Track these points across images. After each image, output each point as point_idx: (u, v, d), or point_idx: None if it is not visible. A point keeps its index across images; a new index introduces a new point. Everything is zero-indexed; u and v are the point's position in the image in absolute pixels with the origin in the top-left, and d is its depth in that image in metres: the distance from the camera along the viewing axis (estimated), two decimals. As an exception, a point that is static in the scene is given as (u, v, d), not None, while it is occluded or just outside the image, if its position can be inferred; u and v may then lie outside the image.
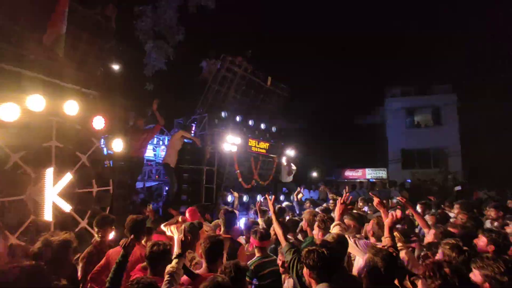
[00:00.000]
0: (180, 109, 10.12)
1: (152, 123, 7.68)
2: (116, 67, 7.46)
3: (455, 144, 19.86)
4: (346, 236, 3.02)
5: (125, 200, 5.45)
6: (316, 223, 3.64)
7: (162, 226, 4.70)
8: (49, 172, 4.21)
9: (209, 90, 9.07)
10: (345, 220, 3.91)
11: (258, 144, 9.62)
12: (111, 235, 3.78)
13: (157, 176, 9.18)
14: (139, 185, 9.10)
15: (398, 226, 3.86)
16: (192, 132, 8.78)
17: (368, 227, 3.52)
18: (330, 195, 6.89)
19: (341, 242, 2.83)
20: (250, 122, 9.52)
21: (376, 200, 3.35)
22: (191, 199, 7.74)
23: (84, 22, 5.38)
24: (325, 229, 3.45)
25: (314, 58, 22.05)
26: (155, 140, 9.41)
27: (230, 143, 8.44)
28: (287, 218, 5.22)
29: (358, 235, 3.50)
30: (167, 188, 8.25)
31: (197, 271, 2.75)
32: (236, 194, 6.94)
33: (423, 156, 20.90)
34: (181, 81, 12.68)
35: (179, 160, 7.54)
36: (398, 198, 5.11)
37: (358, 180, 19.50)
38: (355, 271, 3.02)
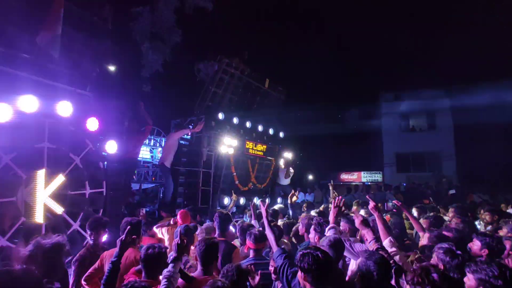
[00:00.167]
0: (177, 111, 10.08)
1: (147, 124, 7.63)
2: (112, 68, 7.42)
3: (449, 148, 20.04)
4: (342, 239, 3.01)
5: (119, 202, 5.39)
6: (312, 227, 3.64)
7: (154, 228, 4.67)
8: (41, 173, 4.15)
9: (206, 92, 9.04)
10: (341, 223, 3.91)
11: (255, 146, 9.59)
12: (104, 237, 3.73)
13: (153, 178, 9.13)
14: (135, 187, 9.05)
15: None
16: (189, 134, 8.74)
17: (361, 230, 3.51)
18: (332, 194, 6.86)
19: (336, 246, 2.82)
20: (248, 124, 9.48)
21: (371, 204, 3.34)
22: (187, 202, 7.69)
23: (79, 23, 5.34)
24: (321, 233, 3.45)
25: (310, 62, 22.13)
26: (152, 141, 9.38)
27: (227, 145, 8.40)
28: (280, 221, 5.19)
29: (352, 238, 3.50)
30: (163, 190, 8.20)
31: (192, 274, 2.73)
32: (234, 196, 6.90)
33: (418, 160, 21.05)
34: (178, 82, 12.66)
35: (175, 162, 7.49)
36: (394, 201, 5.11)
37: (353, 183, 19.58)
38: (349, 274, 3.01)
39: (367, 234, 2.96)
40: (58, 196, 4.35)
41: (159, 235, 4.66)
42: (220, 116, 8.76)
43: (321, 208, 6.49)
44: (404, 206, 4.52)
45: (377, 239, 2.88)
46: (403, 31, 22.38)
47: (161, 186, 8.66)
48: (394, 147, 21.43)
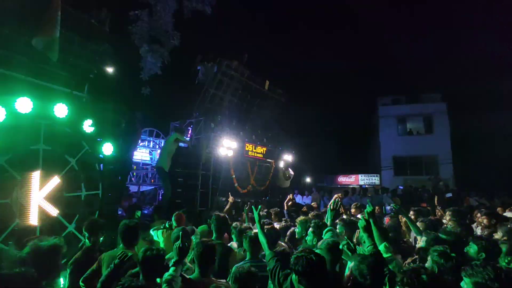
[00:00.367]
0: (177, 113, 10.07)
1: (144, 126, 7.62)
2: (110, 70, 7.40)
3: (446, 151, 20.11)
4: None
5: (115, 204, 5.36)
6: (311, 230, 3.63)
7: (151, 231, 4.63)
8: (36, 175, 4.12)
9: (205, 94, 9.02)
10: (337, 227, 3.90)
11: (255, 148, 9.56)
12: (101, 239, 3.69)
13: (152, 180, 9.08)
14: (133, 189, 8.99)
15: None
16: (189, 135, 8.70)
17: (360, 233, 3.50)
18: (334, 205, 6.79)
19: (334, 249, 2.81)
20: (247, 126, 9.45)
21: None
22: (186, 204, 7.62)
23: (76, 25, 5.33)
24: (319, 235, 3.43)
25: (309, 65, 22.24)
26: (151, 143, 9.34)
27: (226, 147, 8.36)
28: (276, 224, 5.16)
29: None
30: (162, 192, 8.15)
31: (189, 277, 2.72)
32: (231, 198, 6.86)
33: (415, 163, 21.11)
34: (177, 84, 12.66)
35: (173, 164, 7.44)
36: (391, 205, 5.11)
37: (350, 186, 19.57)
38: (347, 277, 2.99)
39: (366, 238, 2.95)
40: (54, 198, 4.32)
41: (155, 238, 4.63)
42: (220, 118, 8.73)
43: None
44: (402, 210, 4.51)
45: (375, 245, 2.86)
46: (401, 35, 22.56)
47: (160, 188, 8.62)
48: (391, 151, 21.48)
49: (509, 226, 4.04)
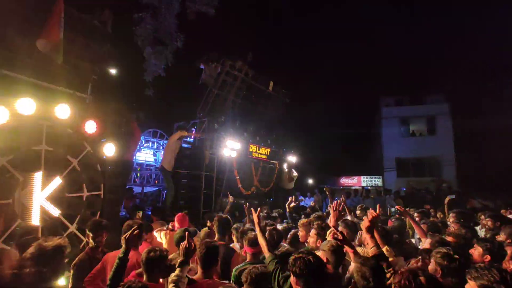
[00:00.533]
0: (180, 114, 10.08)
1: (146, 126, 7.63)
2: (113, 71, 7.41)
3: (449, 153, 20.02)
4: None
5: (116, 205, 5.35)
6: (314, 231, 3.60)
7: (154, 232, 4.63)
8: (38, 176, 4.12)
9: (209, 95, 8.99)
10: (339, 228, 3.86)
11: (259, 149, 9.51)
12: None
13: (156, 181, 9.08)
14: (137, 190, 9.00)
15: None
16: (192, 137, 8.68)
17: (363, 235, 3.47)
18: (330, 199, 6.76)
19: (338, 250, 2.79)
20: (251, 127, 9.41)
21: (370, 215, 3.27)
22: (189, 205, 7.61)
23: (79, 26, 5.35)
24: (323, 237, 3.41)
25: (313, 67, 22.23)
26: (155, 145, 9.35)
27: (230, 148, 8.32)
28: (279, 226, 5.13)
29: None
30: (166, 193, 8.13)
31: (192, 277, 2.71)
32: (231, 198, 6.82)
33: (418, 165, 21.04)
34: (181, 85, 12.68)
35: (177, 165, 7.41)
36: (396, 207, 5.08)
37: (353, 188, 19.50)
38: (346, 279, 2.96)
39: (369, 239, 2.92)
40: (55, 199, 4.32)
41: (158, 239, 4.62)
42: (223, 118, 8.69)
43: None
44: (407, 212, 4.48)
45: (378, 246, 2.83)
46: (403, 36, 22.51)
47: (164, 189, 8.61)
48: (394, 152, 21.41)
49: (513, 228, 4.00)
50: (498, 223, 4.73)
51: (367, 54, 23.46)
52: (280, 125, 11.09)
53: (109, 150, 5.02)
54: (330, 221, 3.83)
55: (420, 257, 3.06)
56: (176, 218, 4.65)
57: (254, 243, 3.32)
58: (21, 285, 1.97)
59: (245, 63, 9.49)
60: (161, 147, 9.34)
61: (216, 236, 4.04)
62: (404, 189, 15.17)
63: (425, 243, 3.70)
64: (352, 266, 2.35)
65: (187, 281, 2.47)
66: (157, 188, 9.46)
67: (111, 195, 5.13)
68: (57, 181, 4.34)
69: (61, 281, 2.89)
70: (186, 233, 2.92)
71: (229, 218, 4.33)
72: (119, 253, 2.63)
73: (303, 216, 6.13)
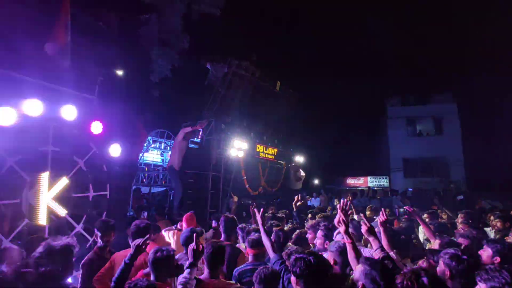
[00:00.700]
0: (187, 114, 10.08)
1: (153, 127, 7.65)
2: (119, 72, 7.47)
3: (457, 153, 19.76)
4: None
5: (122, 205, 5.39)
6: (321, 232, 3.58)
7: (163, 232, 4.64)
8: (45, 176, 4.17)
9: (216, 95, 8.97)
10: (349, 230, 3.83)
11: (266, 149, 9.47)
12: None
13: (164, 181, 9.10)
14: (145, 190, 9.03)
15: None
16: (199, 137, 8.68)
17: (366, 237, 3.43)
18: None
19: (345, 251, 2.76)
20: (258, 127, 9.37)
21: (382, 218, 3.23)
22: (197, 205, 7.61)
23: (85, 28, 5.41)
24: (330, 238, 3.39)
25: (317, 67, 22.11)
26: (163, 145, 9.37)
27: (237, 148, 8.28)
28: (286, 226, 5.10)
29: (357, 243, 3.41)
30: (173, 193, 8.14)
31: (199, 277, 2.72)
32: (235, 198, 6.81)
33: (425, 165, 20.78)
34: (187, 86, 12.71)
35: (184, 165, 7.42)
36: (405, 207, 5.03)
37: (359, 188, 19.37)
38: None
39: (372, 242, 2.88)
40: (62, 199, 4.36)
41: (167, 239, 4.64)
42: (230, 118, 8.66)
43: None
44: (416, 213, 4.43)
45: (383, 247, 2.80)
46: (410, 35, 22.31)
47: (171, 190, 8.63)
48: (401, 152, 21.20)
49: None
50: (508, 224, 4.64)
51: (374, 53, 23.28)
52: (287, 125, 11.04)
53: (115, 150, 5.05)
54: (337, 221, 3.80)
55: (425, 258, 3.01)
56: (184, 218, 4.65)
57: (255, 244, 3.30)
58: (32, 284, 1.98)
59: (252, 63, 9.45)
60: (168, 147, 9.35)
61: (222, 236, 4.03)
62: (411, 189, 15.02)
63: (434, 244, 3.65)
64: (359, 268, 2.30)
65: (195, 283, 2.47)
66: (164, 188, 9.48)
67: (117, 195, 5.17)
68: (63, 181, 4.39)
69: (69, 279, 2.92)
70: (195, 234, 2.92)
71: (235, 218, 4.32)
72: (126, 257, 2.65)
73: (309, 216, 6.12)
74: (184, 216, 4.70)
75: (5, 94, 3.94)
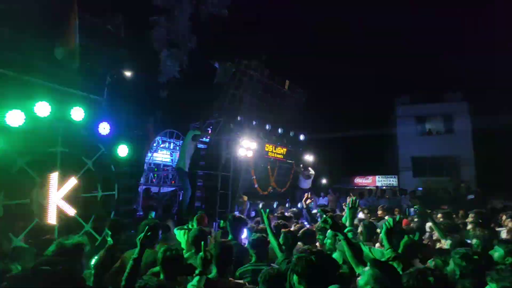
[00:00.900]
0: (196, 114, 10.09)
1: (162, 127, 7.70)
2: (128, 73, 7.53)
3: (468, 152, 19.41)
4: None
5: (130, 204, 5.45)
6: (331, 232, 3.55)
7: (175, 230, 4.66)
8: (54, 176, 4.23)
9: (224, 94, 8.96)
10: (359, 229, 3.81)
11: (275, 149, 9.42)
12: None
13: (173, 182, 9.14)
14: (154, 190, 9.09)
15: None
16: (208, 136, 8.70)
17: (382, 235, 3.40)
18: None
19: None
20: (267, 127, 9.31)
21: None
22: (206, 206, 7.60)
23: (92, 31, 5.47)
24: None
25: (329, 65, 21.96)
26: (172, 145, 9.43)
27: (246, 148, 8.25)
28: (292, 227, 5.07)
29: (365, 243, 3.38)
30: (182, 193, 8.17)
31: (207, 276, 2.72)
32: (245, 198, 6.76)
33: (435, 164, 20.44)
34: (196, 86, 12.75)
35: (193, 165, 7.41)
36: (416, 206, 4.96)
37: (367, 188, 19.17)
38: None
39: (385, 241, 2.86)
40: (71, 198, 4.43)
41: (178, 238, 4.66)
42: (239, 118, 8.63)
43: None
44: (427, 212, 4.38)
45: (393, 247, 2.76)
46: (420, 33, 22.03)
47: (180, 189, 8.66)
48: (410, 151, 20.89)
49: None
50: (520, 224, 4.54)
51: (383, 51, 23.05)
52: (296, 125, 10.97)
53: (123, 151, 5.11)
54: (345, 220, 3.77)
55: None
56: (195, 219, 4.66)
57: (255, 244, 3.29)
58: (52, 284, 2.02)
59: (261, 62, 9.41)
60: (177, 148, 9.39)
61: (230, 235, 4.04)
62: (421, 188, 14.82)
63: (445, 244, 3.60)
64: (367, 270, 2.27)
65: None
66: (173, 188, 9.53)
67: (124, 195, 5.22)
68: (72, 182, 4.45)
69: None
70: (202, 243, 2.93)
71: (242, 217, 4.32)
72: (133, 254, 2.65)
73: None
74: (196, 217, 4.71)
75: (15, 96, 4.01)
